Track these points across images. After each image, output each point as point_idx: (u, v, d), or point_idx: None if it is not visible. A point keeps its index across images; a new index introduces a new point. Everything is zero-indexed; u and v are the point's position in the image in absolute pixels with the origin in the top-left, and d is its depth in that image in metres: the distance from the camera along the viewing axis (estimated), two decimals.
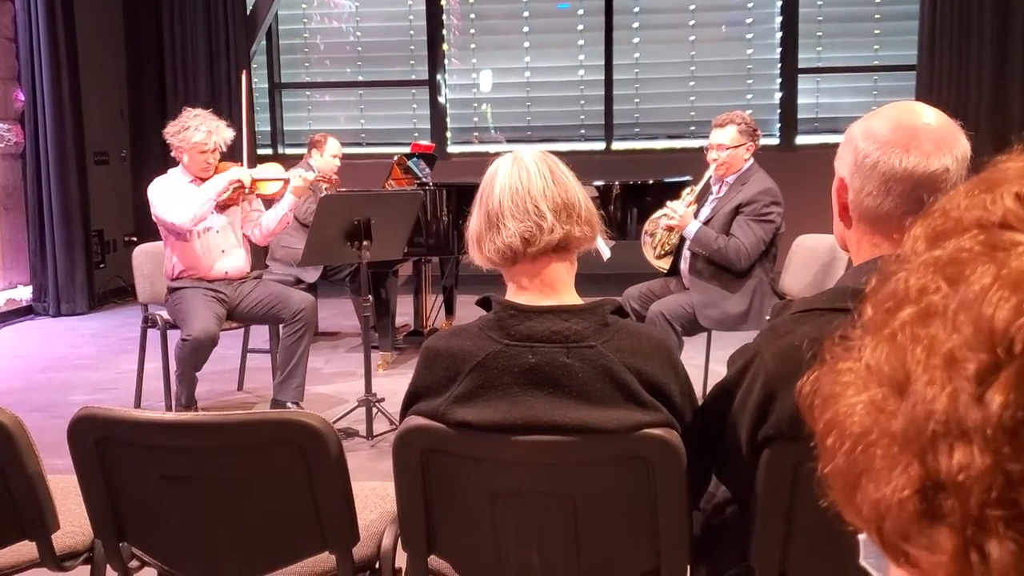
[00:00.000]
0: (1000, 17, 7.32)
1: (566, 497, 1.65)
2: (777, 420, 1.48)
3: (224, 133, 4.15)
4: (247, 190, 4.19)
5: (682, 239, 4.18)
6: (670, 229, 4.21)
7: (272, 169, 4.41)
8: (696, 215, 4.13)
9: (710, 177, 4.18)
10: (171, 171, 4.25)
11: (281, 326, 4.21)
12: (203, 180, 4.15)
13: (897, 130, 1.44)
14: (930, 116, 1.46)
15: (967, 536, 0.38)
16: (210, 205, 4.06)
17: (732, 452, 1.60)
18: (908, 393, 0.41)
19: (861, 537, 0.46)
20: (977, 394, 0.38)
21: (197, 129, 4.07)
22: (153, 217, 4.13)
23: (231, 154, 4.54)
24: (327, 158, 5.50)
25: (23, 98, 6.91)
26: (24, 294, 7.04)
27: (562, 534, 1.65)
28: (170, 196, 4.07)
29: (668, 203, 4.19)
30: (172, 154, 4.23)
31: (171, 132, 4.14)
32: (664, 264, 4.38)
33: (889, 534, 0.41)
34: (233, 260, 4.19)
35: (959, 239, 0.43)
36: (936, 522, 0.39)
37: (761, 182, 4.01)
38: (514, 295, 1.67)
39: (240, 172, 4.15)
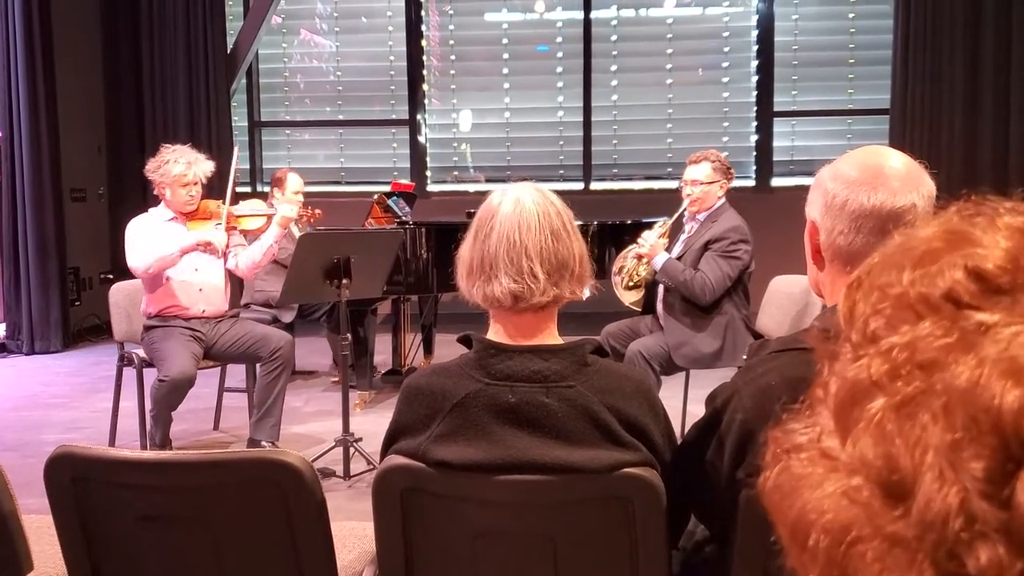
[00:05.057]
0: (971, 62, 7.48)
1: (546, 537, 1.65)
2: (755, 459, 1.49)
3: (204, 166, 4.16)
4: (228, 226, 4.18)
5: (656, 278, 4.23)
6: (639, 258, 4.26)
7: (253, 205, 4.41)
8: (669, 251, 4.18)
9: (683, 212, 4.24)
10: (151, 210, 4.25)
11: (258, 365, 4.19)
12: (185, 216, 4.15)
13: (864, 170, 1.49)
14: (895, 158, 1.52)
15: None
16: (172, 261, 4.04)
17: (711, 491, 1.61)
18: (913, 494, 0.38)
19: None
20: (992, 493, 0.36)
21: (176, 162, 4.09)
22: None
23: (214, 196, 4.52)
24: (288, 195, 5.48)
25: (0, 133, 6.89)
26: None
27: (542, 574, 1.65)
28: (140, 240, 4.06)
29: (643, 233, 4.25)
30: (155, 192, 4.23)
31: (151, 169, 4.15)
32: (633, 295, 4.39)
33: None
34: (211, 299, 4.17)
35: (917, 324, 0.41)
36: None
37: (730, 220, 4.08)
38: (495, 333, 1.68)
39: (213, 236, 4.13)
